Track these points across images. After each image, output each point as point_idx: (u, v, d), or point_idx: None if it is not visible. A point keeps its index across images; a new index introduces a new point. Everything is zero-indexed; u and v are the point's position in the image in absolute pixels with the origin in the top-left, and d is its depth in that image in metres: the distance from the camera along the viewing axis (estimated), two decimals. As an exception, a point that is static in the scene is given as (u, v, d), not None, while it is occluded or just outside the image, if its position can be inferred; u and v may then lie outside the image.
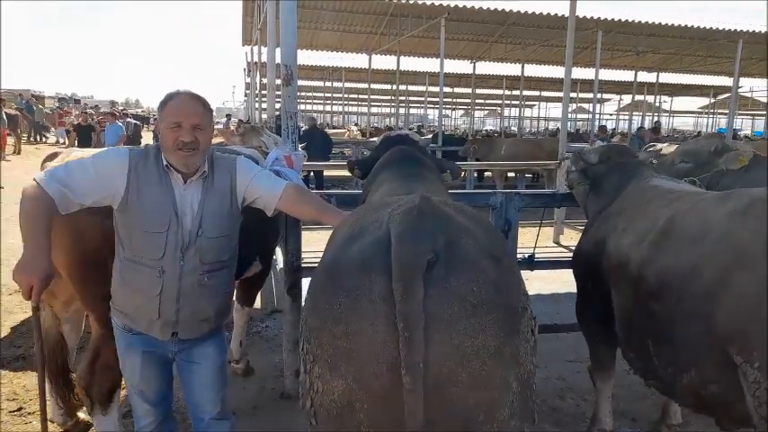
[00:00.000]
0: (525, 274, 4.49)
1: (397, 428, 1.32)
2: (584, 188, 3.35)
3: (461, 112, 45.86)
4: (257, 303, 4.76)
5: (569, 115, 26.31)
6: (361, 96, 29.73)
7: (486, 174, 14.36)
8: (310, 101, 34.34)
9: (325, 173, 12.38)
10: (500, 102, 29.13)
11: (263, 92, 14.24)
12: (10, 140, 18.48)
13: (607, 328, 2.61)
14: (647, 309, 2.27)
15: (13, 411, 3.29)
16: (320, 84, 27.21)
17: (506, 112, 30.08)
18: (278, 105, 8.64)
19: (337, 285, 1.43)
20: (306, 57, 19.52)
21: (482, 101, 35.92)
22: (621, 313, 2.50)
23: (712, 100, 31.05)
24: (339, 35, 16.58)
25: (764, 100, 28.91)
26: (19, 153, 18.63)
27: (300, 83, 28.98)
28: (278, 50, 4.92)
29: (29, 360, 3.91)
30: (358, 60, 19.99)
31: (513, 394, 1.37)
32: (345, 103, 29.39)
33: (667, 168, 3.72)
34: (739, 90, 23.14)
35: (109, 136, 12.40)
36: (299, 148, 3.61)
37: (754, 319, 1.76)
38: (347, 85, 24.74)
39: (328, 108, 33.45)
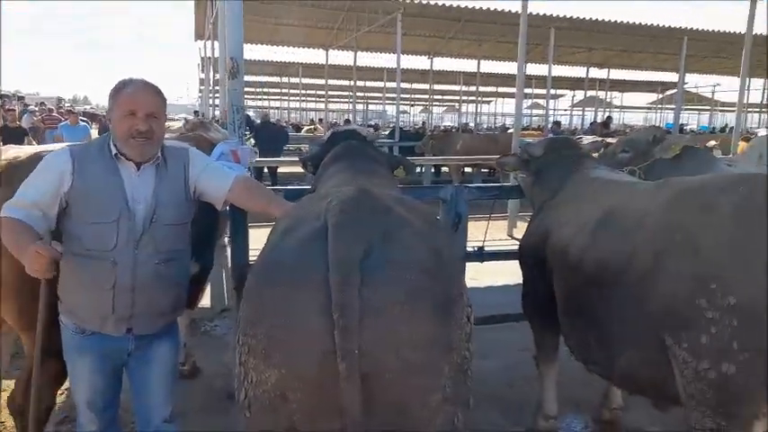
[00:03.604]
0: (478, 266, 4.61)
1: (329, 418, 1.33)
2: (530, 180, 3.42)
3: (420, 108, 46.07)
4: (207, 302, 4.69)
5: (525, 111, 26.74)
6: (319, 92, 29.50)
7: (444, 169, 14.49)
8: (267, 97, 33.81)
9: (283, 169, 12.25)
10: (458, 98, 29.40)
11: (218, 87, 13.96)
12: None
13: (550, 316, 2.68)
14: (586, 296, 2.35)
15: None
16: (277, 79, 26.89)
17: (464, 108, 30.38)
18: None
19: (273, 276, 1.44)
20: (263, 52, 19.22)
21: (440, 97, 36.17)
22: (563, 301, 2.57)
23: (660, 96, 32.15)
24: (295, 30, 16.37)
25: (709, 95, 30.16)
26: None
27: (257, 79, 28.63)
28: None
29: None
30: (315, 56, 19.85)
31: (446, 379, 1.40)
32: (303, 99, 29.09)
33: (609, 158, 3.84)
34: (685, 86, 24.07)
35: (69, 140, 11.03)
36: (247, 144, 3.56)
37: (682, 303, 1.84)
38: (305, 80, 24.52)
39: (285, 104, 32.95)
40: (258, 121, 12.21)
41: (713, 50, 18.02)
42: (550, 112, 27.54)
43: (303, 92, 26.89)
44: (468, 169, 13.80)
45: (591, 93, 24.74)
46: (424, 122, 22.62)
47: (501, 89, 30.24)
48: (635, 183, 2.73)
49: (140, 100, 2.05)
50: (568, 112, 37.07)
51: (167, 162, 2.19)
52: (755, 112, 27.01)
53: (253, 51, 18.86)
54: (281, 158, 9.22)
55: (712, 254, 1.80)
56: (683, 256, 1.88)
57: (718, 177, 2.17)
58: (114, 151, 2.08)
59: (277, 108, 35.14)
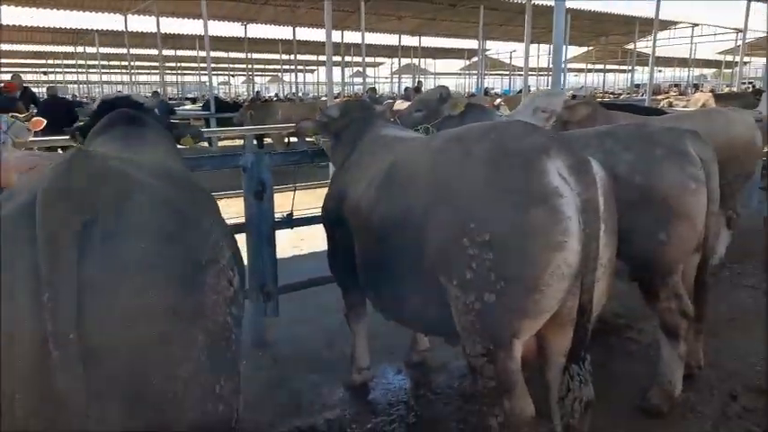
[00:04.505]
0: (302, 233, 4.54)
1: (51, 412, 1.18)
2: (330, 142, 3.45)
3: (243, 78, 44.32)
4: None
5: (347, 79, 27.07)
6: (123, 63, 26.70)
7: (268, 140, 14.16)
8: (60, 69, 29.61)
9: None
10: (279, 67, 28.77)
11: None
12: None
13: (353, 273, 2.74)
14: (377, 249, 2.43)
15: None
16: (71, 49, 23.72)
17: (288, 78, 29.85)
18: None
19: None
20: (50, 17, 16.77)
21: (262, 66, 35.09)
22: (359, 256, 2.64)
23: (467, 62, 34.79)
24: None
25: (508, 61, 33.39)
26: None
27: (43, 48, 24.91)
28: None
29: None
30: (115, 22, 17.83)
31: (199, 348, 1.32)
32: (104, 71, 26.07)
33: (405, 118, 4.01)
34: (487, 53, 26.33)
35: None
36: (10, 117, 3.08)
37: (450, 244, 1.98)
38: (104, 50, 21.97)
39: (84, 78, 29.18)
40: (45, 97, 10.69)
41: (507, 19, 19.88)
42: (372, 80, 28.38)
43: (103, 63, 24.15)
44: (294, 139, 13.61)
45: (406, 60, 25.92)
46: (258, 92, 21.70)
47: (321, 57, 30.25)
48: (415, 138, 2.87)
49: None
50: (389, 79, 38.52)
51: None
52: (544, 75, 30.52)
53: (41, 17, 16.39)
54: (60, 137, 8.18)
55: (469, 196, 1.95)
56: (448, 201, 2.02)
57: (475, 127, 2.35)
58: None
59: (73, 82, 31.08)
